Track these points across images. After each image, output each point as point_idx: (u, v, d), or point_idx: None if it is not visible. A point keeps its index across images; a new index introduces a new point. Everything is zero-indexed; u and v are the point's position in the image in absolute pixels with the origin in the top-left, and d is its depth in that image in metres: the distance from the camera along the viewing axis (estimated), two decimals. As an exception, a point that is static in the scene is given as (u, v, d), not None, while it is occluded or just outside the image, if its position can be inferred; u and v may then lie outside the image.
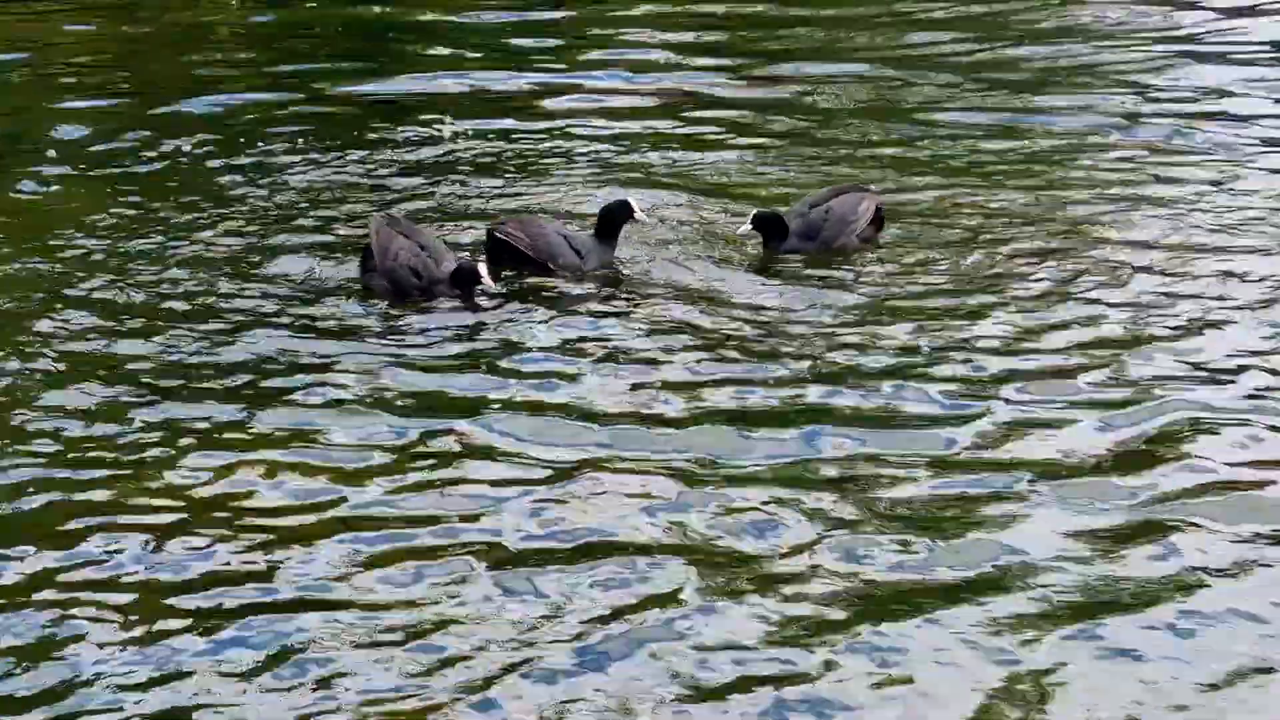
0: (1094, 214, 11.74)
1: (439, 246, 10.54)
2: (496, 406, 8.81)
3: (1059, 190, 12.40)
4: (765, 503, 7.80)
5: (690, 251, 11.18)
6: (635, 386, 9.04)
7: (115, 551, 7.45)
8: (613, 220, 10.99)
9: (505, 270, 10.76)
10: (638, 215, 10.98)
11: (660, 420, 8.64)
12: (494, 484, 8.01)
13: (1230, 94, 15.05)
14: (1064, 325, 9.83)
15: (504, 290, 10.46)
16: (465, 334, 9.91)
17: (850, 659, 6.68)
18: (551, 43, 17.37)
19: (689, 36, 17.72)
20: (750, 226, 11.09)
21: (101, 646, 6.77)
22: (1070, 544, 7.46)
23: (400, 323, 10.08)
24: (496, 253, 10.87)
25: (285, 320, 10.04)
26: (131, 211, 12.06)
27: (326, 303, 10.35)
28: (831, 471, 8.11)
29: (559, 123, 14.36)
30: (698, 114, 14.67)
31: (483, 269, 10.31)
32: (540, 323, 10.03)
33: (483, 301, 10.35)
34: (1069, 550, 7.42)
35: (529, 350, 9.58)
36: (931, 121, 14.33)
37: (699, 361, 9.40)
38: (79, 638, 6.83)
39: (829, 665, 6.65)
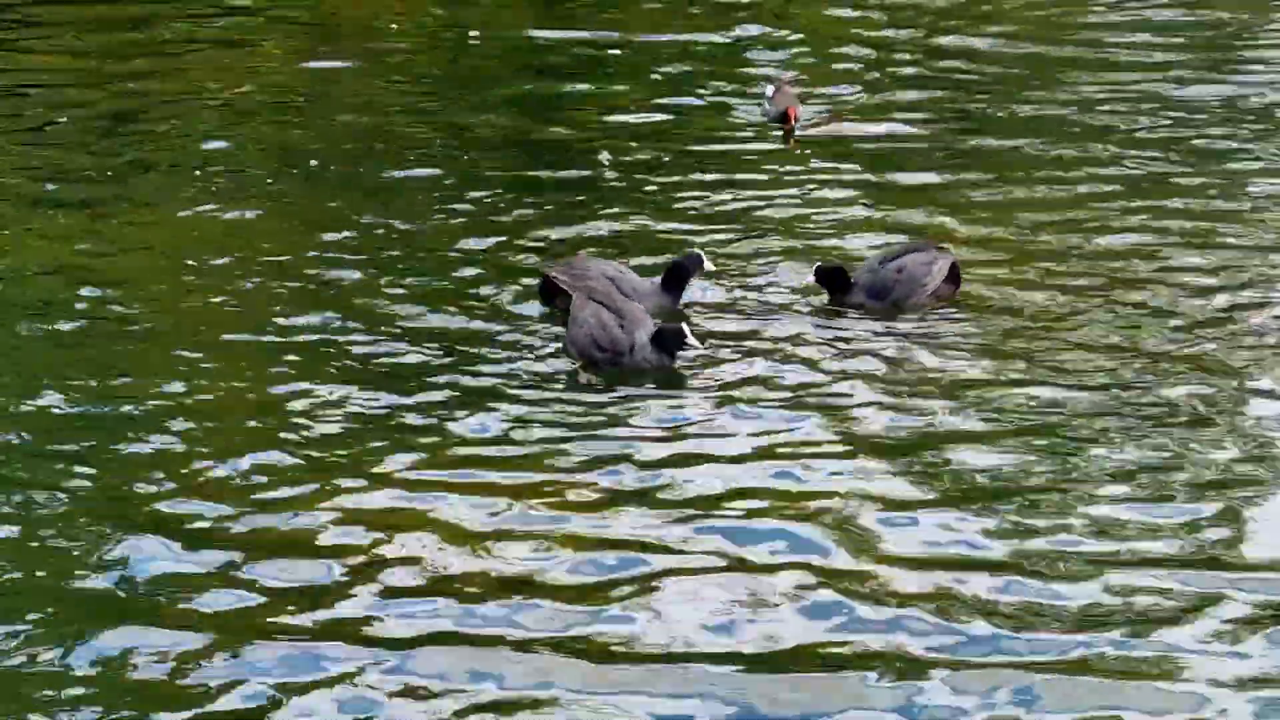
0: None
1: (634, 312, 10.58)
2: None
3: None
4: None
5: (764, 302, 11.32)
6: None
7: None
8: (682, 272, 11.21)
9: (556, 309, 11.08)
10: (707, 267, 11.22)
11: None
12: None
13: None
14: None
15: (709, 349, 10.56)
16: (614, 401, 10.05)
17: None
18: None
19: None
20: (813, 280, 11.22)
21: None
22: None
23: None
24: (547, 293, 11.21)
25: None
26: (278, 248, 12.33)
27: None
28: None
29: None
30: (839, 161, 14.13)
31: (686, 328, 10.42)
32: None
33: (688, 356, 10.40)
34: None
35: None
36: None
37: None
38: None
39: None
